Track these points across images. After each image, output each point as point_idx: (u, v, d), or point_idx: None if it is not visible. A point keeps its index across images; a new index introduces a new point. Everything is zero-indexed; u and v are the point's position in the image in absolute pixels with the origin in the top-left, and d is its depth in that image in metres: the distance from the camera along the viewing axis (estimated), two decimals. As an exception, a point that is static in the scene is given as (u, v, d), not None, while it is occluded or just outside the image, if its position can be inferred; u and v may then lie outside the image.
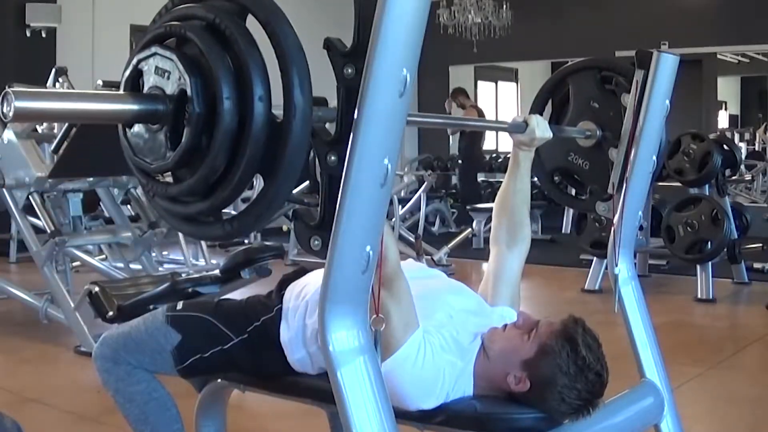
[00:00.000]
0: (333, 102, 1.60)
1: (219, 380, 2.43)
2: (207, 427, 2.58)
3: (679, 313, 5.98)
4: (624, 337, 2.48)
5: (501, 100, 15.21)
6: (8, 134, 5.03)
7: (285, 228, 8.28)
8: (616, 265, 2.50)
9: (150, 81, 1.56)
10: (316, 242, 1.61)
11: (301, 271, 2.37)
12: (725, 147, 6.95)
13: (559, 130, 2.49)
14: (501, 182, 2.57)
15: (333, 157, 1.57)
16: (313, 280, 2.25)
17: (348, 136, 1.53)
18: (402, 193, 9.76)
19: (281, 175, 1.49)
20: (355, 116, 1.51)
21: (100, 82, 5.95)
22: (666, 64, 2.41)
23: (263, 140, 1.48)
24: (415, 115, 2.08)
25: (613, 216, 2.49)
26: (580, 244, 6.91)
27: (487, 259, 2.48)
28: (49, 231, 4.99)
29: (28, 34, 8.70)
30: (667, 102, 2.44)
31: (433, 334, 2.07)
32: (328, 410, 2.51)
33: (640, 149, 2.43)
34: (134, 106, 1.53)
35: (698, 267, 6.43)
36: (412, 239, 7.74)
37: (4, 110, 1.37)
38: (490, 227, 2.56)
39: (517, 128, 2.38)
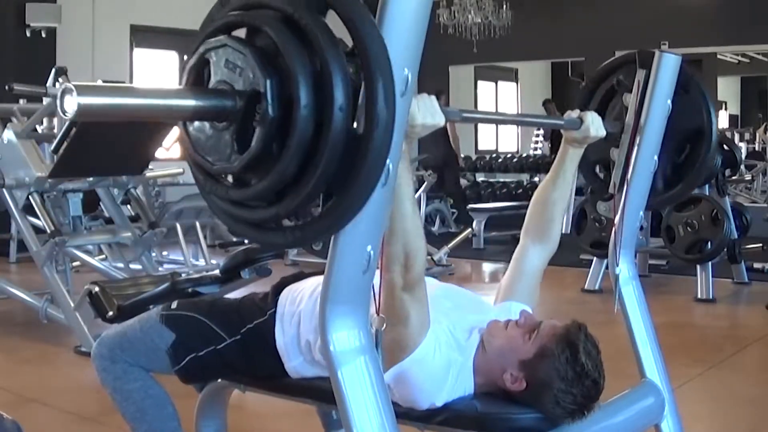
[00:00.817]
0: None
1: (219, 380, 2.43)
2: (207, 427, 2.59)
3: (680, 313, 5.98)
4: (624, 337, 2.48)
5: (501, 100, 15.23)
6: (8, 134, 5.03)
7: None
8: (617, 265, 2.50)
9: (218, 74, 1.47)
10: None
11: (299, 275, 2.37)
12: (725, 147, 6.97)
13: (612, 126, 2.42)
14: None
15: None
16: (309, 286, 2.25)
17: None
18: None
19: (355, 191, 1.43)
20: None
21: (100, 81, 5.95)
22: (668, 64, 2.41)
23: (339, 153, 1.39)
24: (468, 111, 2.03)
25: (614, 216, 2.48)
26: (580, 244, 6.91)
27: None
28: (49, 231, 4.99)
29: (28, 34, 8.71)
30: (669, 102, 2.44)
31: (436, 332, 2.07)
32: (320, 409, 2.52)
33: (642, 149, 2.42)
34: (202, 102, 1.44)
35: (698, 267, 6.43)
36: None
37: (66, 107, 1.27)
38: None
39: (571, 124, 2.32)
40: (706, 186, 6.52)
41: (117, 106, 1.36)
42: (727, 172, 7.06)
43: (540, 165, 10.06)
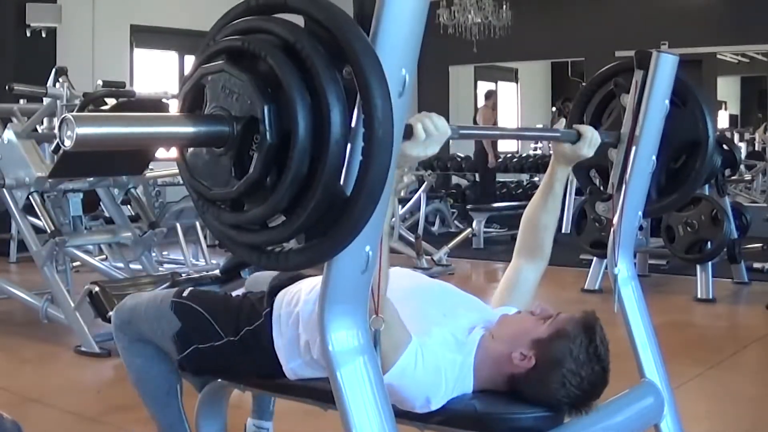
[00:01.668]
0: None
1: (219, 380, 2.44)
2: (208, 426, 2.59)
3: (679, 313, 5.98)
4: (624, 337, 2.48)
5: (501, 100, 15.23)
6: (8, 134, 5.04)
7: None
8: (616, 265, 2.50)
9: (214, 99, 1.49)
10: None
11: (294, 278, 2.36)
12: (725, 147, 6.96)
13: (608, 136, 2.41)
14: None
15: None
16: (305, 288, 2.25)
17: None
18: (402, 193, 9.77)
19: (341, 234, 1.45)
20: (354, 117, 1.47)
21: (100, 82, 5.95)
22: (665, 65, 2.42)
23: (333, 186, 1.40)
24: (465, 128, 2.00)
25: (613, 216, 2.49)
26: (580, 244, 6.91)
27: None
28: (49, 231, 5.00)
29: (28, 34, 8.71)
30: (667, 102, 2.45)
31: (430, 335, 2.08)
32: (330, 410, 2.51)
33: (640, 149, 2.43)
34: (199, 129, 1.45)
35: (698, 267, 6.42)
36: (412, 239, 7.75)
37: (65, 137, 1.29)
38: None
39: (568, 137, 2.31)
40: (706, 186, 6.52)
41: (116, 135, 1.39)
42: (727, 172, 7.06)
43: (539, 165, 10.05)
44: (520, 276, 2.45)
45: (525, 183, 11.33)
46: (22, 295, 5.29)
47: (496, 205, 10.21)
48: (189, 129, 1.45)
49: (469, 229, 8.72)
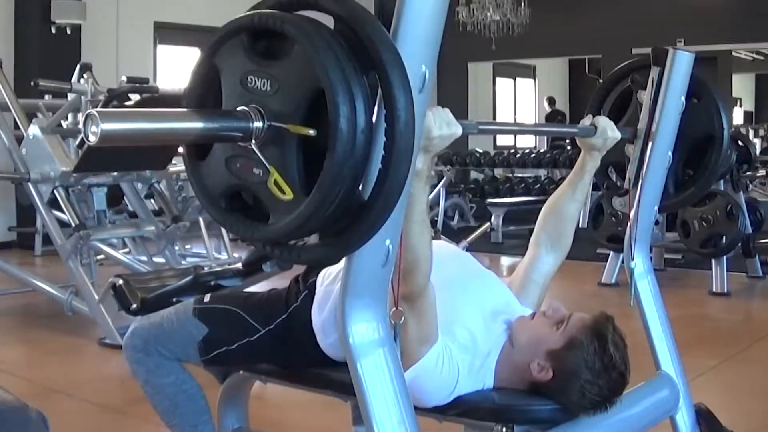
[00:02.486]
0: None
1: (241, 372, 2.45)
2: (229, 417, 2.61)
3: (695, 307, 5.99)
4: (640, 330, 2.51)
5: (519, 97, 15.23)
6: (34, 129, 5.09)
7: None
8: (632, 259, 2.52)
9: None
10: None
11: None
12: (740, 143, 6.97)
13: (625, 132, 2.42)
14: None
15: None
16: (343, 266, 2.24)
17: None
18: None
19: (350, 241, 1.49)
20: (375, 112, 1.47)
21: (124, 78, 6.02)
22: (681, 62, 2.43)
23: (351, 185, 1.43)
24: (484, 123, 2.03)
25: (629, 211, 2.51)
26: (596, 238, 6.93)
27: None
28: (73, 225, 5.04)
29: (53, 31, 8.74)
30: (683, 99, 2.46)
31: (455, 335, 2.08)
32: (350, 402, 2.55)
33: (656, 145, 2.44)
34: (223, 124, 1.47)
35: (713, 261, 6.44)
36: (432, 233, 7.75)
37: (90, 133, 1.30)
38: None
39: (586, 132, 2.31)
40: (721, 181, 6.53)
41: (140, 131, 1.40)
42: (742, 167, 7.05)
43: (557, 161, 10.03)
44: (537, 266, 2.40)
45: (543, 178, 11.31)
46: (47, 288, 5.34)
47: (514, 200, 10.22)
48: (212, 125, 1.46)
49: (488, 224, 8.73)
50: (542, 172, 11.62)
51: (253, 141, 1.46)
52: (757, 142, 11.96)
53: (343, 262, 1.66)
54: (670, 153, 2.48)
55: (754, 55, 13.36)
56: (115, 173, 5.52)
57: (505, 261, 8.37)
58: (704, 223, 6.44)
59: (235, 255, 6.88)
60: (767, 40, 11.08)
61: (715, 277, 6.41)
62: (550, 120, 14.01)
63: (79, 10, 8.80)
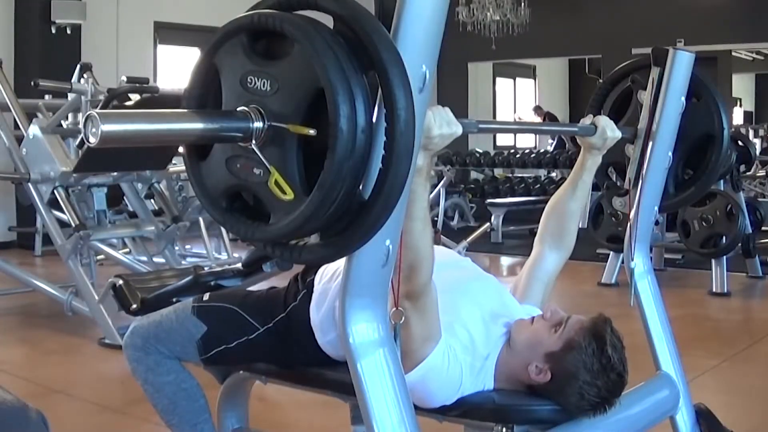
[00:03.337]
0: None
1: (241, 372, 2.45)
2: (229, 417, 2.61)
3: (694, 307, 5.99)
4: (640, 330, 2.51)
5: (519, 97, 15.23)
6: (34, 129, 5.09)
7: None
8: (632, 259, 2.52)
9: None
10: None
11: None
12: (740, 143, 6.99)
13: (625, 131, 2.43)
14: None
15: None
16: (342, 265, 2.25)
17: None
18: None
19: (350, 240, 1.49)
20: (375, 112, 1.47)
21: (124, 78, 6.01)
22: (681, 62, 2.43)
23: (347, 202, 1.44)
24: (484, 122, 2.03)
25: (629, 211, 2.51)
26: (596, 238, 6.93)
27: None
28: (73, 225, 5.04)
29: (53, 31, 8.74)
30: (683, 99, 2.46)
31: (456, 335, 2.08)
32: (350, 402, 2.55)
33: (656, 145, 2.45)
34: (223, 124, 1.47)
35: (713, 261, 6.45)
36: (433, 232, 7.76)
37: (90, 134, 1.30)
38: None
39: (586, 131, 2.32)
40: (721, 181, 6.53)
41: (140, 132, 1.40)
42: (742, 167, 7.06)
43: (557, 160, 10.03)
44: (542, 265, 2.42)
45: (543, 178, 11.32)
46: (47, 288, 5.34)
47: (514, 200, 10.22)
48: (213, 125, 1.46)
49: (488, 224, 8.75)
50: (542, 172, 11.62)
51: (254, 141, 1.46)
52: (757, 142, 11.95)
53: (341, 260, 1.66)
54: (670, 153, 2.49)
55: (754, 55, 13.36)
56: (115, 173, 5.52)
57: (505, 261, 8.38)
58: (704, 224, 6.45)
59: (235, 255, 6.89)
60: (767, 40, 11.08)
61: (715, 277, 6.41)
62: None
63: (79, 9, 8.81)
